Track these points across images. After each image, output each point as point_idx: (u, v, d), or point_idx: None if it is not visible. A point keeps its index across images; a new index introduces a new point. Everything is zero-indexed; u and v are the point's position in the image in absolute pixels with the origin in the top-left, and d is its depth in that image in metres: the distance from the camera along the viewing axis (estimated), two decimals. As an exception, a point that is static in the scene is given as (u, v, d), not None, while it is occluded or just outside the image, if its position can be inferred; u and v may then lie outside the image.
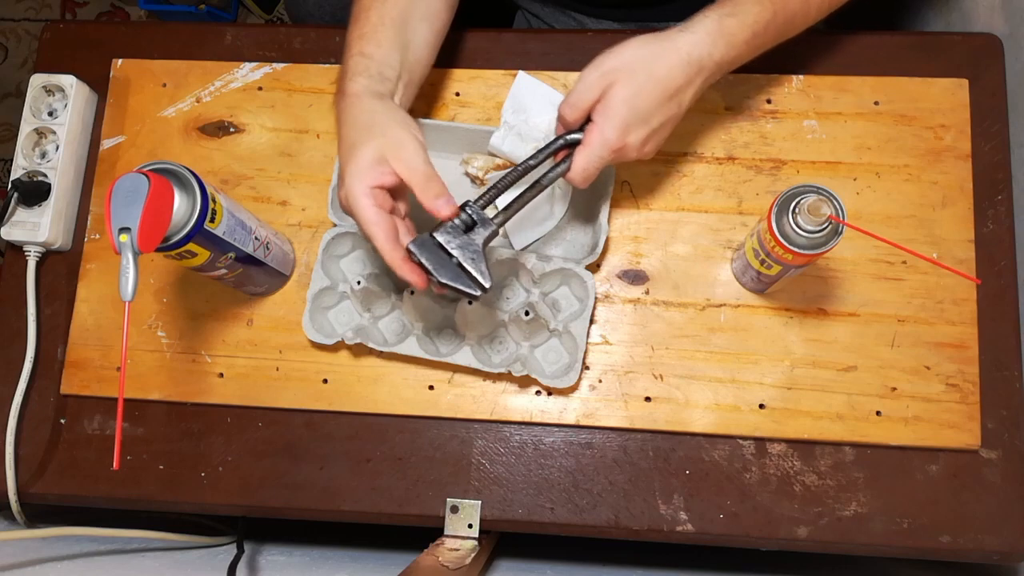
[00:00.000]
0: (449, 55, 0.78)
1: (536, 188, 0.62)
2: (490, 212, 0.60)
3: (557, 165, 0.62)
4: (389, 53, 0.65)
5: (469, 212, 0.58)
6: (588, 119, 0.62)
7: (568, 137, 0.62)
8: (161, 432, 0.73)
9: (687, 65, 0.61)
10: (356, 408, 0.71)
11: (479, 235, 0.58)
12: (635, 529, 0.68)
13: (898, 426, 0.68)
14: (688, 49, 0.61)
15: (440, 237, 0.57)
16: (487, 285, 0.57)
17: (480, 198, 0.60)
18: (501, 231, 0.62)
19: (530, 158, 0.62)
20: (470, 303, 0.67)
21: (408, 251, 0.58)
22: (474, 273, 0.57)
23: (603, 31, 0.86)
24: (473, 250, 0.57)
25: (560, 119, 0.63)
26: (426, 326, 0.71)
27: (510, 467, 0.70)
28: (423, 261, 0.57)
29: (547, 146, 0.63)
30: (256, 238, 0.66)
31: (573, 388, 0.70)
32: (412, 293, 0.68)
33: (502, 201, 0.62)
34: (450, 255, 0.57)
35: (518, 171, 0.62)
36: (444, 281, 0.57)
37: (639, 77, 0.60)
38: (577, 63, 0.77)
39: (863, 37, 0.76)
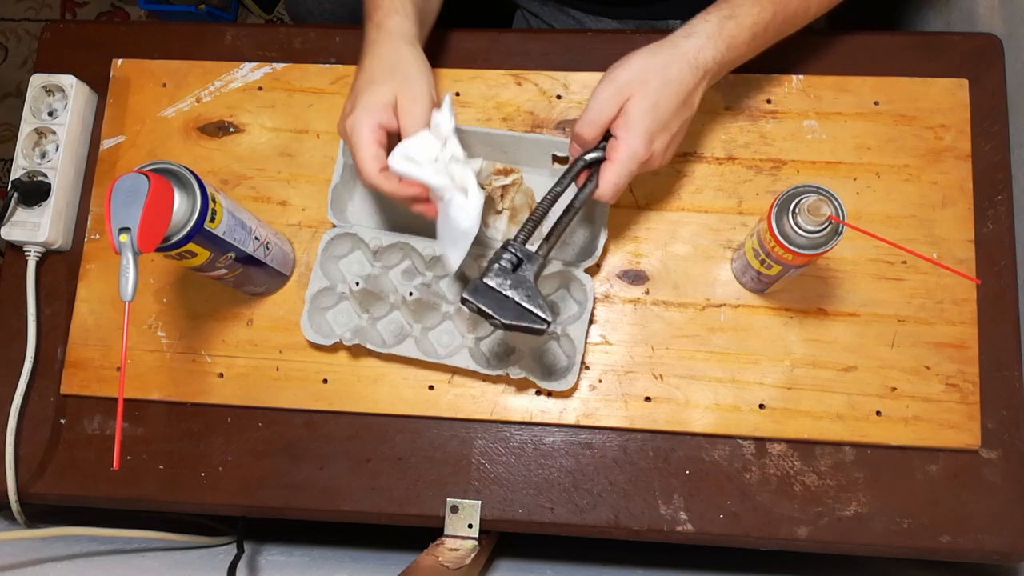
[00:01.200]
0: (449, 55, 0.78)
1: (571, 212, 0.62)
2: (532, 245, 0.61)
3: (584, 187, 0.63)
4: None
5: (513, 251, 0.59)
6: (607, 136, 0.62)
7: (587, 157, 0.63)
8: (161, 432, 0.73)
9: (695, 69, 0.62)
10: (356, 408, 0.71)
11: (528, 271, 0.59)
12: (635, 529, 0.68)
13: (898, 426, 0.68)
14: (694, 53, 0.62)
15: (491, 281, 0.58)
16: (548, 318, 0.57)
17: (519, 234, 0.60)
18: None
19: (556, 184, 0.63)
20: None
21: (464, 300, 0.58)
22: (534, 310, 0.57)
23: (603, 31, 0.86)
24: (527, 287, 0.58)
25: (576, 139, 0.63)
26: (424, 328, 0.71)
27: (510, 467, 0.70)
28: (482, 307, 0.57)
29: (568, 170, 0.63)
30: (256, 238, 0.66)
31: (572, 390, 0.70)
32: (411, 295, 0.68)
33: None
34: (506, 296, 0.57)
35: (548, 200, 0.62)
36: (508, 322, 0.57)
37: (653, 86, 0.61)
38: (577, 63, 0.77)
39: (863, 37, 0.76)
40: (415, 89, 0.64)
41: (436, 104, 0.65)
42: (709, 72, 0.62)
